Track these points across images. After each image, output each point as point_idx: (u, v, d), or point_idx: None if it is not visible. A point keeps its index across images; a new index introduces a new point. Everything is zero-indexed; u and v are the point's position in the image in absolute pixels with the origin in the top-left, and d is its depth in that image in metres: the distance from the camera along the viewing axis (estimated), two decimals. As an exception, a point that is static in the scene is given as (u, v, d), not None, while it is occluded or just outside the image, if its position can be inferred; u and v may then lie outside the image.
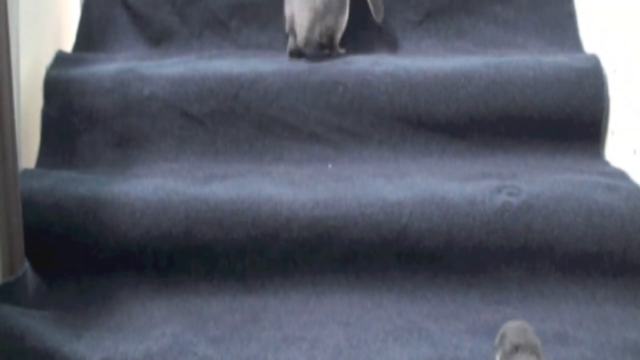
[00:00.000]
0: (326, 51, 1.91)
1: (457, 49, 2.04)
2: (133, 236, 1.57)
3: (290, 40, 1.93)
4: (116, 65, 1.92)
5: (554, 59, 1.91)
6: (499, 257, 1.56)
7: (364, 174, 1.71)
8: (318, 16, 1.87)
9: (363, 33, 2.09)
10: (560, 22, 2.10)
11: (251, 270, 1.57)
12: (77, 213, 1.58)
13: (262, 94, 1.83)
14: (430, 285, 1.56)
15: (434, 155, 1.76)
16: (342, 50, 1.93)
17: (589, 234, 1.56)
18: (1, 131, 1.40)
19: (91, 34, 2.12)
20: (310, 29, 1.87)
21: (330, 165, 1.80)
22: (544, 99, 1.84)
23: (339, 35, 1.91)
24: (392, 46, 2.09)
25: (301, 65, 1.87)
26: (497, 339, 1.29)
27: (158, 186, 1.62)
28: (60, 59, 1.96)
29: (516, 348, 1.25)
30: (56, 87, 1.87)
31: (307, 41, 1.89)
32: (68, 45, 2.09)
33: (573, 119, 1.85)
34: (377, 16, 1.68)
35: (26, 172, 1.73)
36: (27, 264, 1.49)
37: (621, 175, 1.73)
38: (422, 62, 1.89)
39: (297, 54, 1.92)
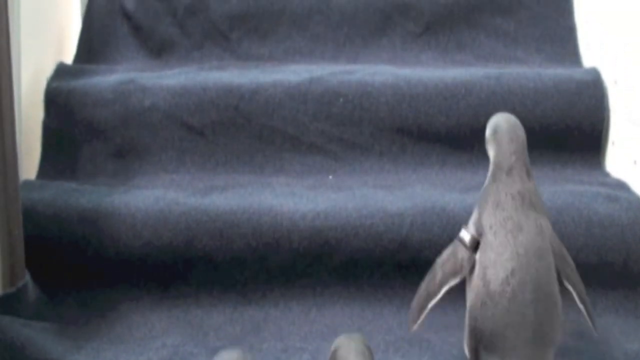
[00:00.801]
0: None
1: (458, 61, 2.04)
2: (134, 247, 1.57)
3: None
4: (117, 76, 1.93)
5: (554, 71, 1.92)
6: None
7: (365, 185, 1.71)
8: None
9: (363, 45, 2.10)
10: (560, 36, 2.11)
11: (252, 281, 1.57)
12: (78, 224, 1.58)
13: (263, 105, 1.83)
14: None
15: (435, 166, 1.76)
16: None
17: (589, 245, 1.56)
18: (2, 142, 1.40)
19: (92, 45, 2.12)
20: None
21: (330, 177, 1.80)
22: (545, 110, 1.84)
23: None
24: (392, 58, 2.09)
25: (302, 76, 1.87)
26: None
27: (159, 197, 1.62)
28: (61, 70, 1.97)
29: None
30: (57, 98, 1.88)
31: None
32: (69, 57, 2.10)
33: (573, 129, 1.85)
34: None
35: (27, 183, 1.74)
36: (27, 275, 1.49)
37: (622, 186, 1.73)
38: (422, 73, 1.90)
39: None
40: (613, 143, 1.85)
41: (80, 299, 1.56)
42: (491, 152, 1.38)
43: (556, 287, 1.31)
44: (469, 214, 1.39)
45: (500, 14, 2.10)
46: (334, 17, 2.10)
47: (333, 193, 1.66)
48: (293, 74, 1.89)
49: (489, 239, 1.31)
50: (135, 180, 1.78)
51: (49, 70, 1.94)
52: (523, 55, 2.07)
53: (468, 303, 1.33)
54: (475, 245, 1.32)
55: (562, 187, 1.68)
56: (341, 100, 1.83)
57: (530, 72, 1.90)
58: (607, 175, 1.83)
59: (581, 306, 1.34)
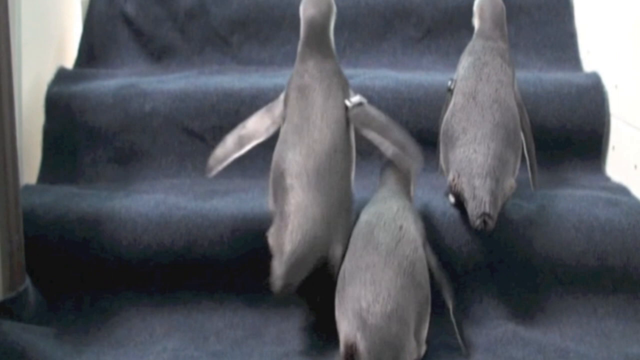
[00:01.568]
0: None
1: (458, 65, 2.05)
2: (134, 251, 1.56)
3: None
4: (117, 81, 1.93)
5: (554, 76, 1.92)
6: (500, 272, 1.56)
7: (366, 190, 1.71)
8: None
9: (363, 49, 2.11)
10: (561, 41, 2.11)
11: (252, 285, 1.57)
12: (79, 228, 1.58)
13: (263, 110, 1.83)
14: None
15: (435, 171, 1.76)
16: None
17: (590, 249, 1.55)
18: (2, 147, 1.40)
19: (92, 50, 2.13)
20: None
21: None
22: (545, 114, 1.84)
23: None
24: (392, 62, 2.09)
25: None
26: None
27: (159, 201, 1.62)
28: (62, 75, 1.97)
29: None
30: (57, 103, 1.88)
31: None
32: (69, 61, 2.10)
33: (574, 134, 1.85)
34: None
35: (27, 187, 1.74)
36: (28, 280, 1.49)
37: (622, 190, 1.74)
38: (422, 77, 1.90)
39: None
40: (613, 147, 1.85)
41: (80, 303, 1.55)
42: (476, 23, 1.71)
43: (516, 110, 1.56)
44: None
45: (501, 18, 2.10)
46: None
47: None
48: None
49: (460, 73, 1.62)
50: (135, 185, 1.78)
51: (49, 74, 1.95)
52: (524, 60, 2.08)
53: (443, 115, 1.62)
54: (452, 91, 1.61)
55: (563, 191, 1.68)
56: (342, 104, 1.82)
57: (531, 76, 1.90)
58: (607, 179, 1.83)
59: (526, 155, 1.57)
